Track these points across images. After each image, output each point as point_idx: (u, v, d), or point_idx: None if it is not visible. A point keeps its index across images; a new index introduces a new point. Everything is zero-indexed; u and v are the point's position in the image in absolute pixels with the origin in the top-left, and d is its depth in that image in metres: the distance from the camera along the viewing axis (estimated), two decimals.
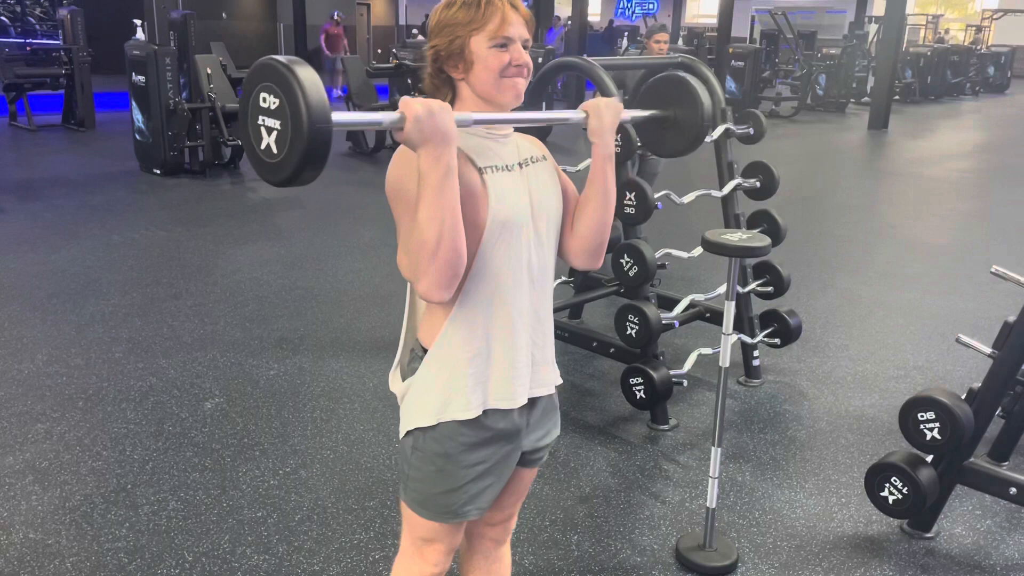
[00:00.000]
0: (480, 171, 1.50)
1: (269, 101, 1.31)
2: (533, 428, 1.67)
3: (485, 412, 1.57)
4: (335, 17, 16.83)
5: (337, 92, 15.46)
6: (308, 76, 1.27)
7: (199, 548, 2.62)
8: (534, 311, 1.60)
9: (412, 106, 1.34)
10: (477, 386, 1.56)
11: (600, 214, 1.65)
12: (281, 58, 1.30)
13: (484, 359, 1.56)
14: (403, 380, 1.64)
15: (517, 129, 1.64)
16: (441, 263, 1.39)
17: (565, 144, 10.36)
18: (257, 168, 1.37)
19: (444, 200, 1.37)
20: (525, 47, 1.52)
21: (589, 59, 3.75)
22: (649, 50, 5.57)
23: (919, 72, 19.23)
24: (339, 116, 1.31)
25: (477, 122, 1.48)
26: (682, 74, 1.82)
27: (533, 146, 1.66)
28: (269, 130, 1.32)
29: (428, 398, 1.57)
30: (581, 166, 4.00)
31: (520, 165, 1.58)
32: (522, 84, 1.52)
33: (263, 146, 1.33)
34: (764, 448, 3.37)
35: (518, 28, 1.50)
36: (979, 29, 24.35)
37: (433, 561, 1.70)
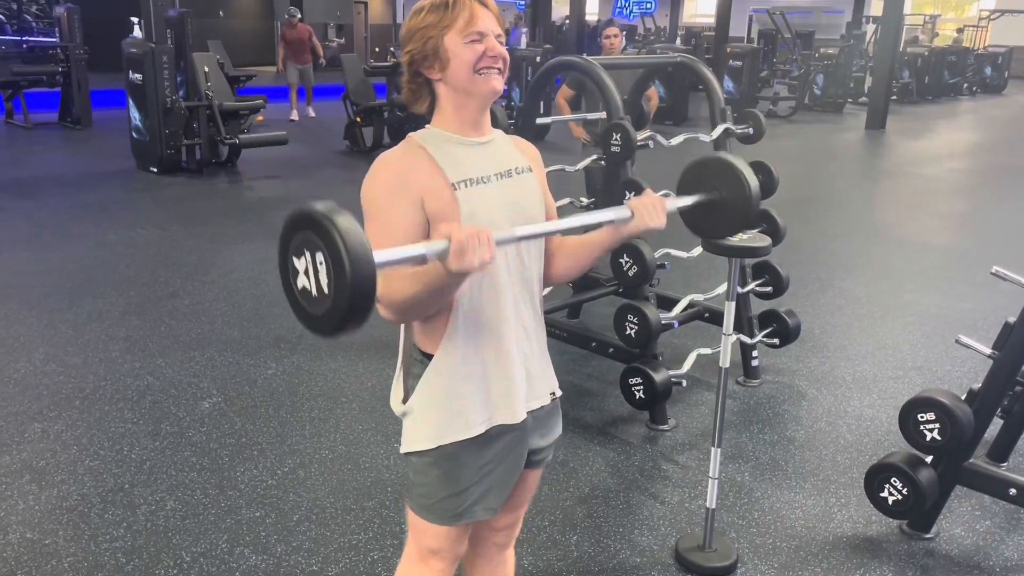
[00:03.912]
0: (453, 186, 1.48)
1: (307, 258, 1.20)
2: (537, 426, 1.66)
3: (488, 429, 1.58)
4: (288, 15, 12.55)
5: (309, 113, 12.87)
6: (352, 229, 1.14)
7: (197, 548, 2.61)
8: (520, 324, 1.59)
9: (465, 257, 1.24)
10: (478, 404, 1.56)
11: (585, 265, 1.69)
12: (322, 208, 1.16)
13: (480, 377, 1.55)
14: (404, 400, 1.62)
15: (518, 131, 1.63)
16: (400, 318, 1.47)
17: (562, 143, 10.34)
18: (297, 313, 1.26)
19: (439, 295, 1.39)
20: (499, 41, 1.52)
21: (588, 58, 3.74)
22: (602, 47, 5.58)
23: (916, 72, 19.25)
24: (380, 256, 1.19)
25: (521, 238, 1.42)
26: (724, 154, 1.76)
27: (521, 154, 1.64)
28: (308, 282, 1.21)
29: (429, 420, 1.57)
30: (580, 166, 4.00)
31: (499, 176, 1.55)
32: (498, 76, 1.52)
33: (300, 287, 1.23)
34: (763, 448, 3.37)
35: (488, 22, 1.51)
36: (960, 29, 24.42)
37: (437, 569, 1.69)
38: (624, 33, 5.84)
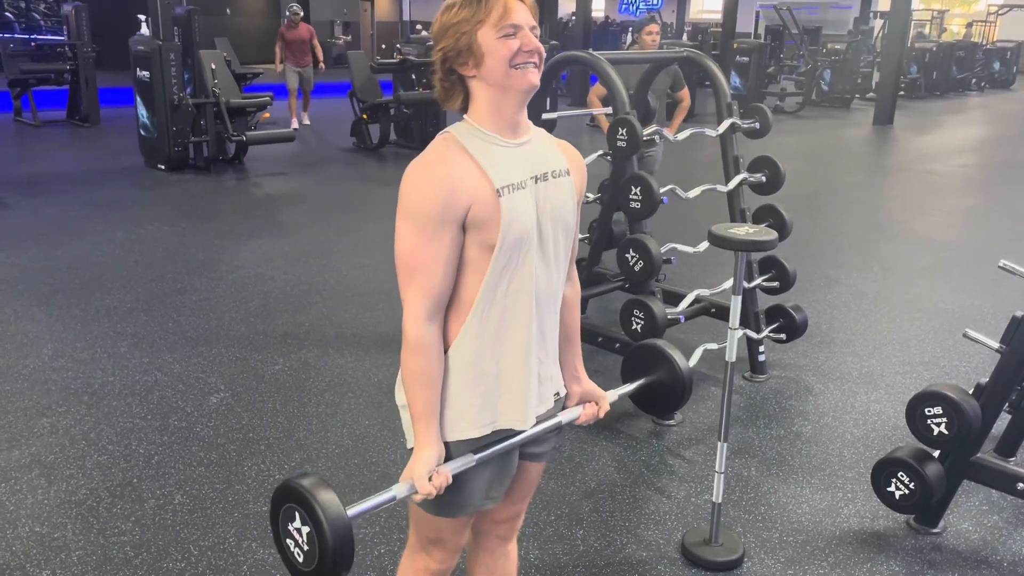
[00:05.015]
0: (498, 192, 1.45)
1: (296, 525, 1.46)
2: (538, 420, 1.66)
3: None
4: (290, 12, 11.29)
5: (304, 120, 11.79)
6: (332, 506, 1.45)
7: (205, 542, 2.63)
8: (539, 330, 1.58)
9: (424, 487, 1.50)
10: (486, 407, 1.55)
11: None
12: (307, 484, 1.46)
13: (493, 380, 1.54)
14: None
15: (554, 132, 1.62)
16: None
17: (568, 139, 10.33)
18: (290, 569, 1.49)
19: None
20: (534, 34, 1.50)
21: (595, 53, 3.73)
22: (641, 43, 5.50)
23: (924, 68, 19.18)
24: (355, 509, 1.47)
25: (478, 460, 1.55)
26: (659, 342, 1.96)
27: (561, 157, 1.61)
28: (298, 544, 1.46)
29: None
30: (586, 161, 3.99)
31: (535, 180, 1.52)
32: (535, 71, 1.49)
33: (293, 549, 1.46)
34: (770, 443, 3.37)
35: (523, 15, 1.48)
36: (969, 24, 24.35)
37: (439, 558, 1.71)
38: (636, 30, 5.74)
